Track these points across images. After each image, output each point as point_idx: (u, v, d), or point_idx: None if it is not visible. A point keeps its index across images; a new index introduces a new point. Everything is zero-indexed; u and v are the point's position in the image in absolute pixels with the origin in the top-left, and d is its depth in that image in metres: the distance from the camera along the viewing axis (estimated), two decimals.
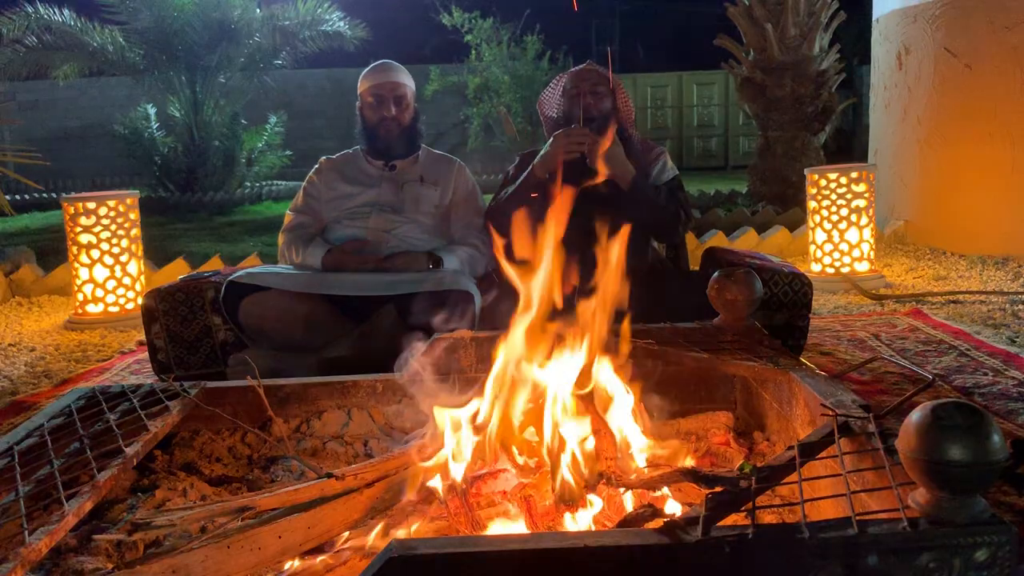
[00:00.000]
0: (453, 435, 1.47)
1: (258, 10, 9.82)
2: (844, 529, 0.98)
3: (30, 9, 9.08)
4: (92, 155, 12.61)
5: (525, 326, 1.45)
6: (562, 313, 1.48)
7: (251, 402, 1.88)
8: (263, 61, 10.06)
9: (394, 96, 2.73)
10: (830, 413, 1.37)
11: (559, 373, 1.46)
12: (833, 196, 4.18)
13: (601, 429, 1.46)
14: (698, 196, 7.86)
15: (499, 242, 1.49)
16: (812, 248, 4.31)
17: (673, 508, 1.38)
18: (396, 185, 2.75)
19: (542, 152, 2.60)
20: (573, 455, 1.38)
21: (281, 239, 2.77)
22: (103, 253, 3.83)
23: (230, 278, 2.52)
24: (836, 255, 4.20)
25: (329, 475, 1.41)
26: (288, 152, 10.98)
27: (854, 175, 4.18)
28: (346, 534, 1.41)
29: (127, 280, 3.90)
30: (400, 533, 1.40)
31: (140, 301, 2.71)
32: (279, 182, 10.78)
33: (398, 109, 2.74)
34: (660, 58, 15.22)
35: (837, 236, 4.19)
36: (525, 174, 2.63)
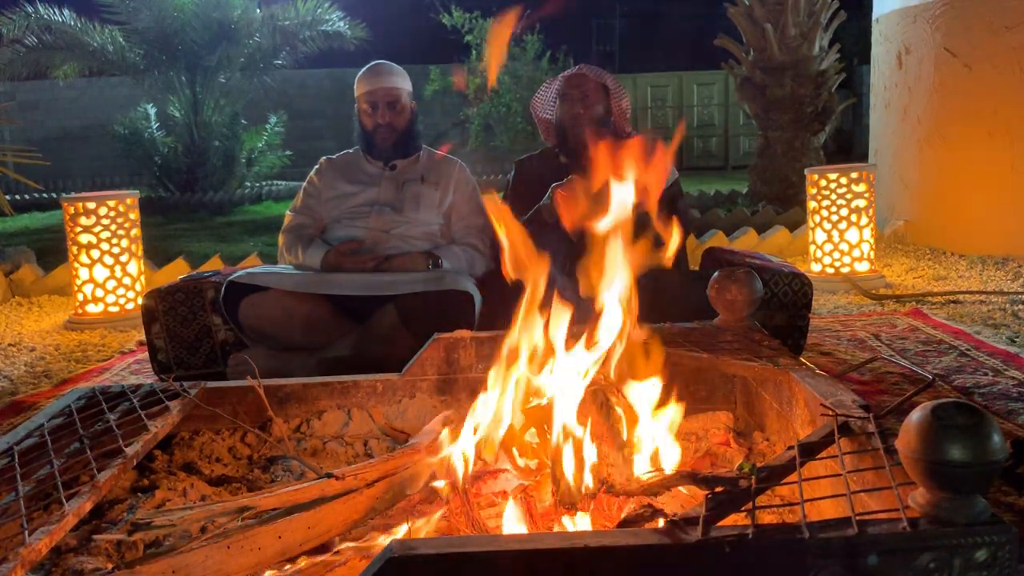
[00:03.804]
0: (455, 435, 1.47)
1: (258, 10, 9.82)
2: (844, 529, 0.98)
3: (30, 9, 9.08)
4: (92, 155, 12.60)
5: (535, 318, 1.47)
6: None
7: (251, 402, 1.88)
8: (263, 61, 10.06)
9: (387, 102, 2.73)
10: (830, 413, 1.37)
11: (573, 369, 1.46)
12: (833, 196, 4.18)
13: (603, 434, 1.45)
14: (698, 196, 7.86)
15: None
16: (812, 248, 4.31)
17: (673, 509, 1.38)
18: (397, 185, 2.75)
19: (544, 201, 2.59)
20: (574, 460, 1.38)
21: (281, 239, 2.77)
22: (103, 253, 3.83)
23: (230, 278, 2.52)
24: (836, 255, 4.20)
25: (329, 475, 1.41)
26: (288, 152, 10.98)
27: (854, 175, 4.18)
28: (346, 534, 1.41)
29: (127, 280, 3.90)
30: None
31: (140, 301, 2.71)
32: (279, 182, 10.78)
33: (392, 114, 2.74)
34: (660, 58, 15.22)
35: (837, 236, 4.19)
36: (531, 214, 2.63)
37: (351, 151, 2.90)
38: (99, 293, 3.84)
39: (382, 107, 2.72)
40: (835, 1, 6.51)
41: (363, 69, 2.78)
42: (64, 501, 1.29)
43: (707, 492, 1.14)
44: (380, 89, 2.72)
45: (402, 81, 2.78)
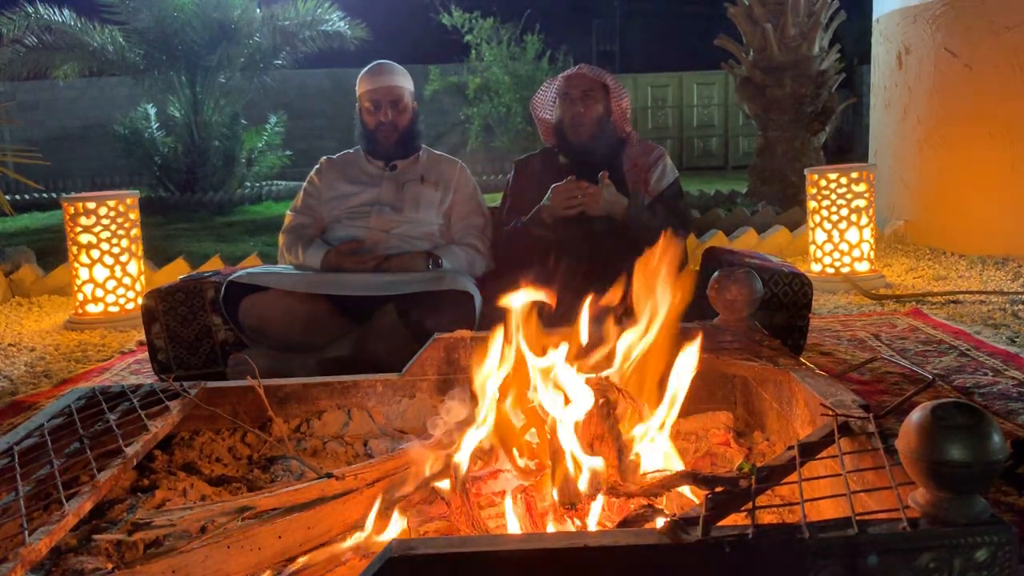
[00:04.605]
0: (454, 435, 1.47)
1: (258, 10, 9.83)
2: (844, 529, 0.98)
3: (30, 9, 9.09)
4: (92, 155, 12.60)
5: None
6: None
7: (251, 402, 1.88)
8: (263, 61, 10.07)
9: (390, 100, 2.73)
10: (830, 413, 1.37)
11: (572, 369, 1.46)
12: (833, 196, 4.18)
13: (604, 435, 1.45)
14: (698, 196, 7.86)
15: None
16: (812, 248, 4.31)
17: (673, 509, 1.38)
18: (397, 185, 2.75)
19: (543, 202, 2.60)
20: (575, 460, 1.38)
21: (281, 239, 2.77)
22: (103, 253, 3.83)
23: (230, 278, 2.52)
24: (836, 255, 4.20)
25: (329, 475, 1.41)
26: (288, 152, 10.99)
27: (854, 175, 4.18)
28: (346, 534, 1.41)
29: (127, 280, 3.90)
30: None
31: (140, 301, 2.71)
32: (279, 182, 10.79)
33: (395, 112, 2.74)
34: (660, 58, 15.21)
35: (837, 236, 4.19)
36: (532, 215, 2.63)
37: (351, 151, 2.90)
38: (99, 293, 3.84)
39: (385, 106, 2.72)
40: (835, 1, 6.51)
41: (365, 68, 2.79)
42: (64, 501, 1.29)
43: (707, 492, 1.14)
44: (383, 88, 2.73)
45: (404, 81, 2.78)
